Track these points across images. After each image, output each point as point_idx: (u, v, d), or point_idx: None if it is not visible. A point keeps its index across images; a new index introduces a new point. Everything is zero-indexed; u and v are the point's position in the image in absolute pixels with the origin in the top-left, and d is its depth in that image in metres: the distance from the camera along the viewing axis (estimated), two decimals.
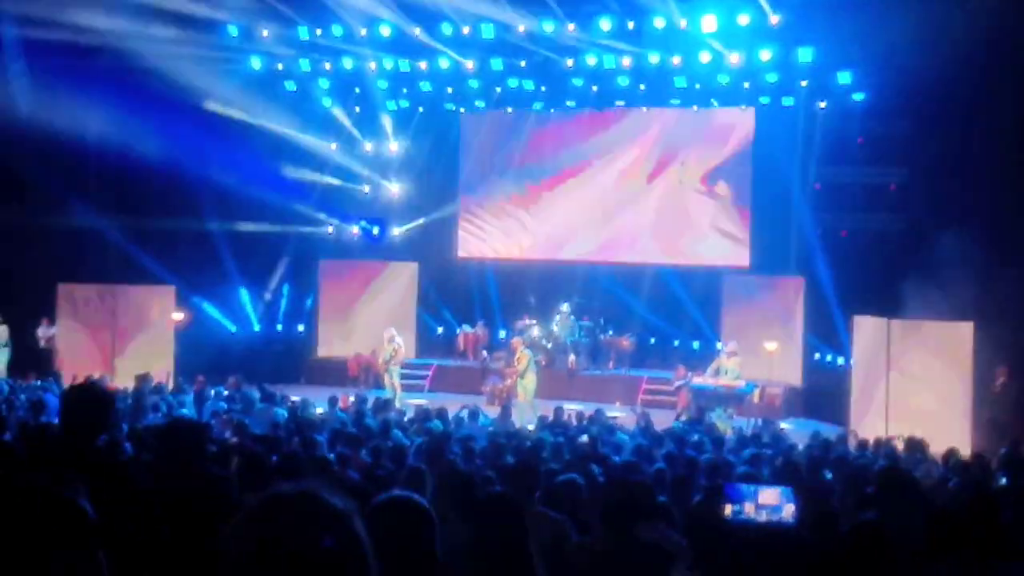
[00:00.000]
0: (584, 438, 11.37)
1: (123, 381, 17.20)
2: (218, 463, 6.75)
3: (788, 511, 5.39)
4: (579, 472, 7.06)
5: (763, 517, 5.38)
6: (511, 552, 4.20)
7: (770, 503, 5.40)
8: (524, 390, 18.44)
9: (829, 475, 9.48)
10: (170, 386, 16.72)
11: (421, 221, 25.70)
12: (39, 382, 16.22)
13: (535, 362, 19.10)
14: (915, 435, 13.24)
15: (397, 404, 16.82)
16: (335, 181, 25.71)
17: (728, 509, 5.41)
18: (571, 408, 15.83)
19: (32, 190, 19.93)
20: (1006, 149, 17.43)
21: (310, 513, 1.99)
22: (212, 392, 15.70)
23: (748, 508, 5.38)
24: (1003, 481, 10.09)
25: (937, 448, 12.45)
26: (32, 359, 19.40)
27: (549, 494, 6.28)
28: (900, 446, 12.95)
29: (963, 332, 16.59)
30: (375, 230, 26.22)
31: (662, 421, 15.30)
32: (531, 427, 14.29)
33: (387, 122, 25.20)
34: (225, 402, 14.62)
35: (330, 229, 26.03)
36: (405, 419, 13.72)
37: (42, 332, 20.60)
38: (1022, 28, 16.34)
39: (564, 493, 6.15)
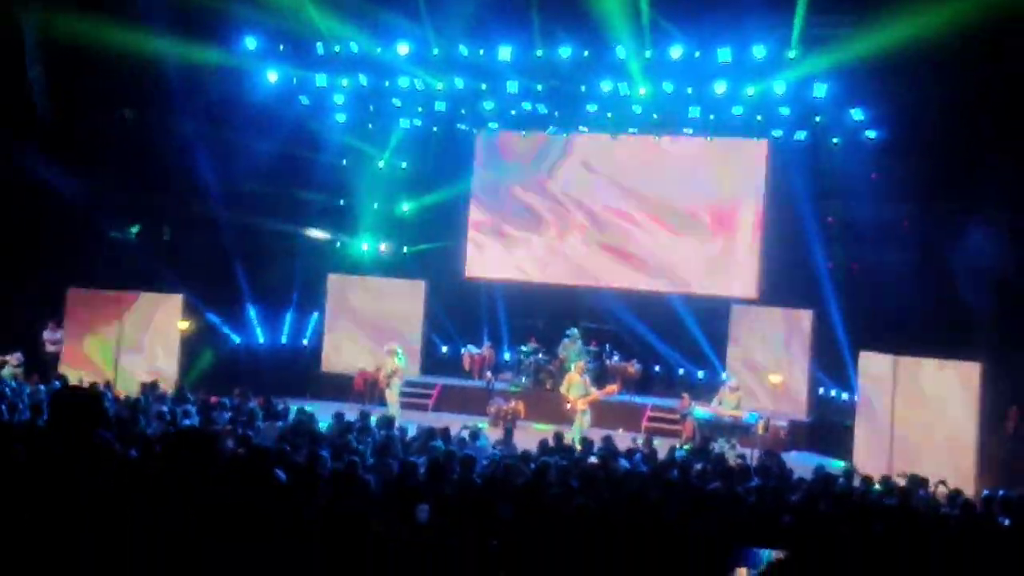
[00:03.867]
0: (593, 459, 11.34)
1: (127, 388, 17.22)
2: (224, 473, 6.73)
3: None
4: (587, 496, 7.04)
5: None
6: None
7: None
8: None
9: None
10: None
11: (431, 241, 25.73)
12: (43, 386, 16.18)
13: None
14: (918, 473, 13.22)
15: (397, 421, 16.72)
16: (346, 197, 25.77)
17: (744, 573, 5.35)
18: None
19: (47, 196, 19.95)
20: (1018, 189, 17.43)
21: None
22: (216, 402, 15.64)
23: None
24: (1006, 523, 10.06)
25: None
26: (39, 362, 19.43)
27: (561, 517, 6.25)
28: (902, 483, 12.91)
29: (971, 372, 16.49)
30: (384, 246, 26.27)
31: (666, 449, 15.21)
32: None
33: (400, 140, 25.28)
34: (230, 413, 14.56)
35: (339, 244, 26.06)
36: (408, 437, 13.65)
37: (48, 336, 20.56)
38: None
39: (577, 518, 6.12)
